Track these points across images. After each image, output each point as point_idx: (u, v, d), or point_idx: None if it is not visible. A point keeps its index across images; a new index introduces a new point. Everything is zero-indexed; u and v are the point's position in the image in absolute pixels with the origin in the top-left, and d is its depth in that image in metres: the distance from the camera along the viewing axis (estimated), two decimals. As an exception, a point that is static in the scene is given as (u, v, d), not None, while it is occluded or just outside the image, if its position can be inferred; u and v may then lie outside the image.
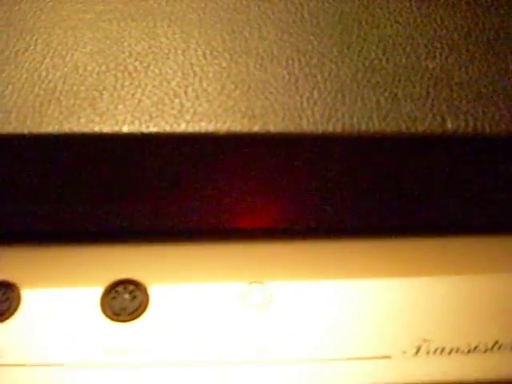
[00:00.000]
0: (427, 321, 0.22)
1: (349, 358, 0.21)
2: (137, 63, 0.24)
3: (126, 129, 0.22)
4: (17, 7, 0.28)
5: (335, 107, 0.22)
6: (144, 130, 0.22)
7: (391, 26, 0.26)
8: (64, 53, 0.25)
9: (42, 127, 0.23)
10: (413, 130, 0.22)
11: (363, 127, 0.21)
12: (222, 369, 0.21)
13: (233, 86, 0.23)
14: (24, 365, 0.22)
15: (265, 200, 0.25)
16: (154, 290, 0.23)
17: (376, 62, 0.24)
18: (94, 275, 0.24)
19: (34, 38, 0.26)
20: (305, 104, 0.22)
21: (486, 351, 0.21)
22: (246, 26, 0.26)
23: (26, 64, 0.25)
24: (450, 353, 0.21)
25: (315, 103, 0.22)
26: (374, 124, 0.21)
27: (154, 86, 0.23)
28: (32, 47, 0.26)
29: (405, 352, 0.21)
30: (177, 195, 0.24)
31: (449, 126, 0.22)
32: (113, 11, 0.27)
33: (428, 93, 0.23)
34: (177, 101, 0.23)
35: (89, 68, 0.24)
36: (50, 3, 0.28)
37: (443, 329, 0.22)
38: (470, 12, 0.27)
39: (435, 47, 0.25)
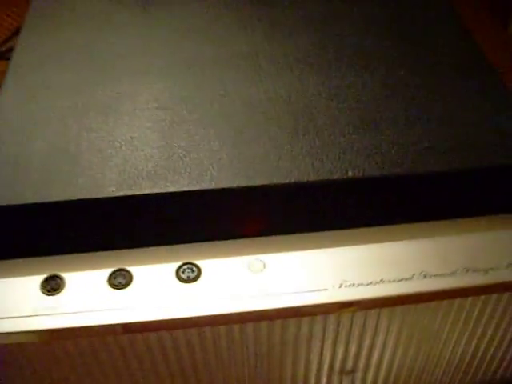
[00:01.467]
0: (346, 268, 0.43)
1: (305, 291, 0.41)
2: (171, 153, 0.45)
3: (181, 188, 0.43)
4: (86, 121, 0.48)
5: (278, 165, 0.43)
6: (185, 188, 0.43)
7: (312, 98, 0.47)
8: (132, 148, 0.46)
9: (131, 190, 0.43)
10: (325, 177, 0.43)
11: (299, 178, 0.42)
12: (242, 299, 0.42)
13: (222, 161, 0.44)
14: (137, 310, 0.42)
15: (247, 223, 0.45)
16: (205, 267, 0.44)
17: (300, 132, 0.45)
18: (170, 260, 0.44)
19: (117, 142, 0.47)
20: (257, 166, 0.43)
21: (375, 284, 0.42)
22: (222, 111, 0.47)
23: (115, 160, 0.45)
24: (357, 286, 0.42)
25: (267, 159, 0.43)
26: (302, 175, 0.42)
27: (183, 162, 0.44)
28: (117, 148, 0.46)
29: (334, 286, 0.42)
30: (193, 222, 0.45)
31: (349, 174, 0.43)
32: (154, 123, 0.48)
33: (339, 157, 0.44)
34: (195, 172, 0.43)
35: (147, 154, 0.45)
36: (112, 118, 0.49)
37: (355, 273, 0.42)
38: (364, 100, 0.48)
39: (336, 124, 0.46)
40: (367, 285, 0.42)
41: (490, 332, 0.48)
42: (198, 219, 0.45)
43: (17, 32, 1.00)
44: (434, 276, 0.43)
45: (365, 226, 0.45)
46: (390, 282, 0.43)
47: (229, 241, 0.45)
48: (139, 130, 0.48)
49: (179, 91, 0.51)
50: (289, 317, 0.42)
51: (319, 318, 0.43)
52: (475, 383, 0.54)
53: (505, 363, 0.52)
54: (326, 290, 0.42)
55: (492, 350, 0.50)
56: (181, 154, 0.45)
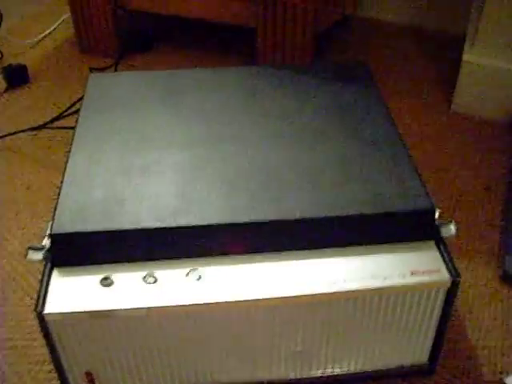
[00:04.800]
0: (304, 274, 0.67)
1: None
2: (184, 200, 0.70)
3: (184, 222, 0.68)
4: (129, 177, 0.74)
5: (253, 206, 0.68)
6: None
7: (278, 165, 0.73)
8: (159, 197, 0.71)
9: (158, 223, 0.68)
10: (281, 217, 0.67)
11: (265, 217, 0.67)
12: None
13: (214, 207, 0.69)
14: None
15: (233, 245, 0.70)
16: (206, 273, 0.68)
17: (267, 186, 0.70)
18: (182, 267, 0.68)
19: (150, 192, 0.72)
20: (238, 209, 0.68)
21: (314, 285, 0.66)
22: (219, 173, 0.72)
23: (147, 204, 0.71)
24: (311, 284, 0.66)
25: (244, 205, 0.68)
26: (255, 215, 0.67)
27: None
28: (150, 198, 0.71)
29: (297, 285, 0.66)
30: (197, 244, 0.70)
31: (297, 215, 0.68)
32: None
33: (293, 204, 0.69)
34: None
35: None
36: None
37: (307, 278, 0.67)
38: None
39: (291, 182, 0.71)
40: (313, 284, 0.67)
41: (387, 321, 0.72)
42: (200, 241, 0.69)
43: (63, 113, 1.28)
44: (352, 280, 0.67)
45: (310, 249, 0.70)
46: (323, 284, 0.67)
47: (218, 257, 0.70)
48: (164, 185, 0.73)
49: (191, 159, 0.76)
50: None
51: (272, 308, 0.67)
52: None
53: (412, 346, 0.75)
54: (297, 285, 0.66)
55: (390, 337, 0.74)
56: (191, 200, 0.70)
